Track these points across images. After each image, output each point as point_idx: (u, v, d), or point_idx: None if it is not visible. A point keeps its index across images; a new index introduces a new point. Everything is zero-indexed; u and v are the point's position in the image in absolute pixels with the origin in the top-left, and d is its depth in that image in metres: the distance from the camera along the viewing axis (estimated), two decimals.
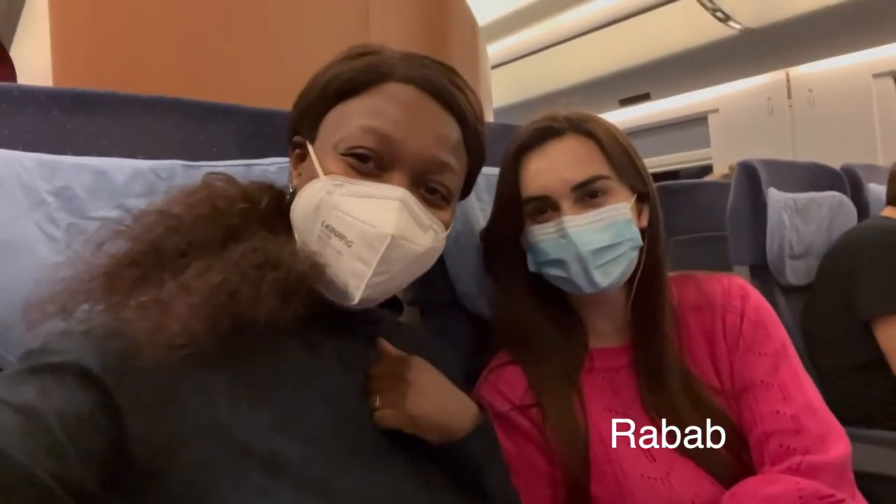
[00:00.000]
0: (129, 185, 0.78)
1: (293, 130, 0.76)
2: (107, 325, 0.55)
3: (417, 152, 0.68)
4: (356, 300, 0.65)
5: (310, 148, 0.71)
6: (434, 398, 0.69)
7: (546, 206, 0.89)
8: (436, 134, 0.70)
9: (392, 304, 0.84)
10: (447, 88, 0.71)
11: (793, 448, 0.80)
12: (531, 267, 0.93)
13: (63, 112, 0.78)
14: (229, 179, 0.72)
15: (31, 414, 0.46)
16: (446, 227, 0.73)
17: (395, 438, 0.67)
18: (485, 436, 0.74)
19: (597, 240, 0.85)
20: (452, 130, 0.72)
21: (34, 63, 1.37)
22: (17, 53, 1.79)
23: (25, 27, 1.64)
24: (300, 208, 0.68)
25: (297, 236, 0.69)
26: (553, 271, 0.90)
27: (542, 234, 0.89)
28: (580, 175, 0.87)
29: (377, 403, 0.66)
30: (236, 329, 0.57)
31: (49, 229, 0.71)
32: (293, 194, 0.71)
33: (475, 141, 0.75)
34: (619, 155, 0.90)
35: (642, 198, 0.92)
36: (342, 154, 0.67)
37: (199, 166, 0.85)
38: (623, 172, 0.89)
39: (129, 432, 0.52)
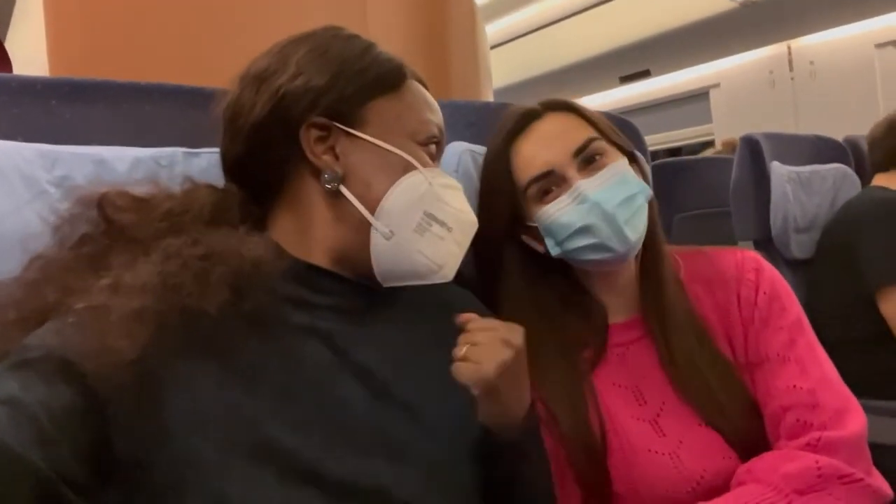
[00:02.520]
0: (131, 173, 0.77)
1: (320, 110, 0.68)
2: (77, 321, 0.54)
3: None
4: (450, 278, 0.72)
5: (359, 133, 0.69)
6: (515, 374, 0.68)
7: (551, 183, 0.88)
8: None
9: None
10: None
11: (809, 423, 0.80)
12: (553, 252, 0.90)
13: (61, 101, 0.78)
14: (166, 195, 0.67)
15: (17, 405, 0.46)
16: None
17: (391, 421, 0.66)
18: (533, 437, 0.74)
19: (616, 194, 0.85)
20: None
21: (30, 54, 1.36)
22: (12, 45, 1.78)
23: (20, 18, 1.63)
24: (400, 197, 0.68)
25: (378, 223, 0.67)
26: (580, 242, 0.87)
27: (559, 209, 0.87)
28: (575, 142, 0.88)
29: (463, 352, 0.65)
30: (196, 322, 0.56)
31: (51, 220, 0.71)
32: (333, 177, 0.67)
33: None
34: (600, 120, 0.93)
35: (630, 160, 0.93)
36: (423, 145, 0.72)
37: (200, 153, 0.84)
38: (609, 134, 0.91)
39: (113, 424, 0.51)
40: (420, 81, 0.76)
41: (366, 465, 0.61)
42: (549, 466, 0.78)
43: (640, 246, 0.89)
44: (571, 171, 0.87)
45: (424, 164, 0.70)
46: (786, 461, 0.77)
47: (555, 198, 0.88)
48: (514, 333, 0.69)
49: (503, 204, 0.92)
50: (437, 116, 0.75)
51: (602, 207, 0.84)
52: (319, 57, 0.70)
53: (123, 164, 0.77)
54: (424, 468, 0.65)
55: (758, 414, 0.86)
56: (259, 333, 0.62)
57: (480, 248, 0.93)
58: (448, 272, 0.71)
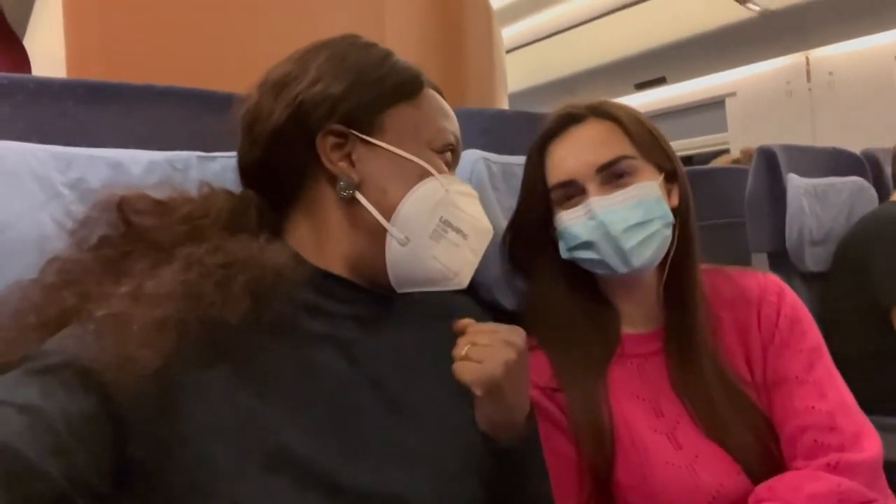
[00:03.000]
0: (145, 177, 0.78)
1: (338, 118, 0.68)
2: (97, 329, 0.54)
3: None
4: (465, 285, 0.72)
5: (376, 141, 0.69)
6: (517, 375, 0.69)
7: (573, 192, 0.89)
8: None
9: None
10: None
11: (827, 444, 0.80)
12: (563, 254, 0.93)
13: (78, 103, 0.78)
14: (186, 203, 0.67)
15: (36, 413, 0.46)
16: None
17: (404, 431, 0.66)
18: (533, 445, 0.75)
19: (626, 218, 0.85)
20: None
21: (48, 53, 1.37)
22: (30, 43, 1.79)
23: (38, 17, 1.64)
24: (416, 203, 0.68)
25: (393, 230, 0.67)
26: (585, 255, 0.89)
27: (571, 219, 0.89)
28: (604, 157, 0.87)
29: (464, 352, 0.67)
30: (214, 329, 0.56)
31: (66, 222, 0.70)
32: (349, 184, 0.67)
33: None
34: (642, 134, 0.90)
35: (670, 177, 0.92)
36: (440, 153, 0.72)
37: (216, 157, 0.84)
38: (648, 152, 0.90)
39: (131, 431, 0.51)
40: (437, 90, 0.77)
41: (380, 474, 0.61)
42: (547, 476, 0.78)
43: (651, 268, 0.90)
44: (592, 185, 0.87)
45: (440, 171, 0.70)
46: (809, 482, 0.76)
47: (573, 205, 0.89)
48: (516, 335, 0.70)
49: (537, 200, 0.94)
50: (452, 124, 0.75)
51: (607, 228, 0.85)
52: (338, 65, 0.70)
53: (138, 167, 0.78)
54: (436, 477, 0.65)
55: (768, 434, 0.85)
56: (275, 341, 0.62)
57: (515, 240, 1.00)
58: (463, 279, 0.71)
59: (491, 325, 0.71)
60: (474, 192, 0.75)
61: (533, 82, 4.94)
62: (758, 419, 0.85)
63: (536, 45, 4.67)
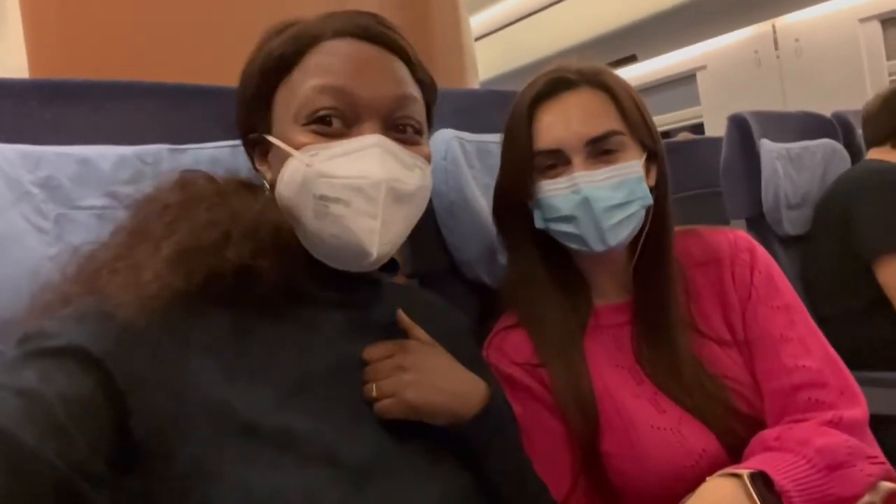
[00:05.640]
0: (115, 172, 0.77)
1: (246, 129, 0.73)
2: (101, 308, 0.55)
3: (376, 96, 0.66)
4: (374, 255, 0.64)
5: (270, 137, 0.69)
6: (436, 382, 0.68)
7: (557, 161, 0.87)
8: (387, 73, 0.69)
9: (386, 266, 0.83)
10: (380, 30, 0.70)
11: (821, 401, 0.80)
12: (538, 223, 0.91)
13: (42, 102, 0.77)
14: (207, 177, 0.69)
15: (34, 397, 0.46)
16: (428, 161, 0.72)
17: None
18: (493, 417, 0.72)
19: (610, 197, 0.84)
20: (400, 67, 0.70)
21: (9, 60, 1.35)
22: None
23: None
24: (285, 191, 0.66)
25: (291, 222, 0.67)
26: (563, 227, 0.88)
27: (553, 190, 0.87)
28: (595, 129, 0.85)
29: (374, 393, 0.64)
30: (214, 282, 0.58)
31: (37, 221, 0.70)
32: (272, 188, 0.70)
33: (422, 72, 0.74)
34: (633, 110, 0.88)
35: (651, 156, 0.91)
36: (304, 125, 0.66)
37: (186, 150, 0.83)
38: (635, 128, 0.88)
39: (131, 414, 0.51)
40: (359, 35, 0.68)
41: (378, 447, 0.62)
42: (524, 454, 0.79)
43: (623, 246, 0.89)
44: (579, 158, 0.85)
45: (309, 143, 0.65)
46: (818, 436, 0.75)
47: (556, 176, 0.87)
48: (406, 354, 0.68)
49: (519, 162, 0.90)
50: (338, 78, 0.66)
51: (590, 205, 0.84)
52: (243, 72, 0.72)
53: (108, 162, 0.77)
54: (431, 445, 0.66)
55: (739, 401, 0.85)
56: (275, 322, 0.64)
57: (498, 203, 0.97)
58: (370, 248, 0.64)
59: (384, 350, 0.68)
60: (363, 144, 0.64)
61: (504, 68, 4.93)
62: (725, 390, 0.85)
63: (505, 30, 4.67)
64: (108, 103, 0.82)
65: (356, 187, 0.63)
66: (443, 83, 0.80)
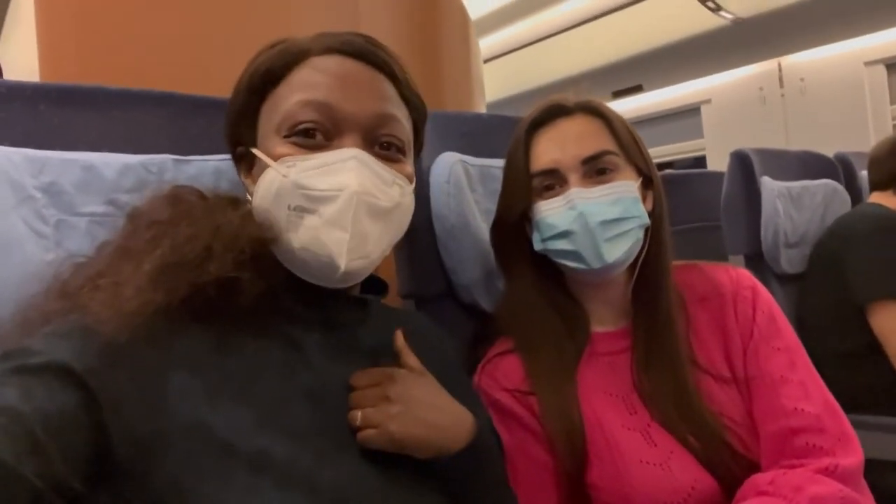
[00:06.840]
0: (119, 180, 0.77)
1: (233, 143, 0.74)
2: (83, 325, 0.54)
3: (359, 111, 0.67)
4: (343, 268, 0.63)
5: (254, 150, 0.69)
6: (422, 416, 0.66)
7: (554, 181, 0.90)
8: (371, 90, 0.69)
9: (376, 288, 0.82)
10: (368, 48, 0.70)
11: (818, 446, 0.80)
12: (536, 245, 0.92)
13: (50, 106, 0.77)
14: (197, 193, 0.69)
15: (12, 415, 0.46)
16: (410, 180, 0.72)
17: None
18: (477, 452, 0.71)
19: (605, 212, 0.86)
20: (385, 85, 0.71)
21: (21, 63, 1.36)
22: (3, 52, 1.77)
23: (11, 27, 1.63)
24: (260, 202, 0.67)
25: (269, 234, 0.66)
26: (560, 245, 0.89)
27: (550, 208, 0.89)
28: (589, 149, 0.88)
29: (358, 422, 0.63)
30: (197, 297, 0.58)
31: (37, 226, 0.70)
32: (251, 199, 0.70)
33: (410, 92, 0.74)
34: (626, 135, 0.92)
35: (647, 183, 0.93)
36: (286, 136, 0.66)
37: (191, 161, 0.84)
38: (629, 152, 0.91)
39: (111, 431, 0.51)
40: (346, 51, 0.70)
41: (358, 473, 0.61)
42: (509, 490, 0.79)
43: (623, 268, 0.90)
44: (575, 176, 0.88)
45: (282, 156, 0.65)
46: (812, 484, 0.75)
47: (552, 196, 0.89)
48: (394, 385, 0.67)
49: (518, 186, 0.93)
50: (322, 93, 0.66)
51: (586, 220, 0.85)
52: (235, 87, 0.73)
53: (112, 170, 0.77)
54: (412, 473, 0.65)
55: (734, 438, 0.84)
56: (254, 343, 0.63)
57: (497, 227, 0.99)
58: (338, 261, 0.63)
59: (371, 378, 0.67)
60: (341, 157, 0.65)
61: (510, 91, 4.96)
62: (722, 426, 0.84)
63: (513, 54, 4.69)
64: (116, 110, 0.82)
65: (329, 199, 0.63)
66: (450, 105, 0.81)
